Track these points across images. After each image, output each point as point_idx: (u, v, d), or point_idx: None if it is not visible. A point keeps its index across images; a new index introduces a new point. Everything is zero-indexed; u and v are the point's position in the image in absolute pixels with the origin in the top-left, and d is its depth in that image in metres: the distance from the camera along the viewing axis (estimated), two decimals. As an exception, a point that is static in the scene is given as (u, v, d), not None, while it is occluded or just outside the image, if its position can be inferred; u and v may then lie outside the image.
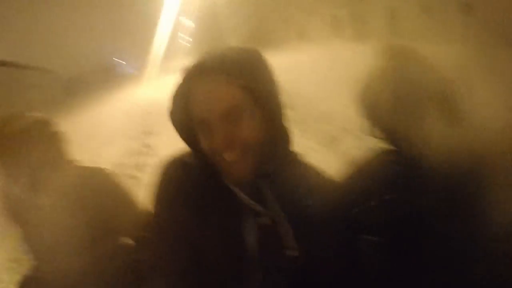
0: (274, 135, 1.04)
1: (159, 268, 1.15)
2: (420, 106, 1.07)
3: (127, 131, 8.18)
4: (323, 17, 23.30)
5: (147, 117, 9.35)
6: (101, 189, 1.71)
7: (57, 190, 1.65)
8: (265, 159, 1.04)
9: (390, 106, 1.09)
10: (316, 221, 1.06)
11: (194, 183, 1.12)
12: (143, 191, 1.52)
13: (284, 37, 28.07)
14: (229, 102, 0.97)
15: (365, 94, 1.16)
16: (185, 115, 1.04)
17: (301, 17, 25.66)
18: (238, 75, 0.97)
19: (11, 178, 1.62)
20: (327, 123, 5.42)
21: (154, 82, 27.83)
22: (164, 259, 1.14)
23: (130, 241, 1.72)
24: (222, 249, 1.08)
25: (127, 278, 1.56)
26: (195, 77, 0.99)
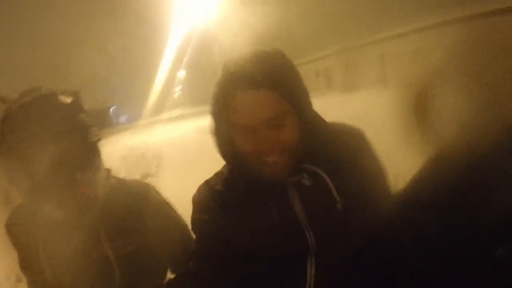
0: (308, 134, 1.12)
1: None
2: None
3: (126, 174, 8.25)
4: (316, 68, 23.92)
5: (143, 161, 9.52)
6: (148, 213, 1.32)
7: (91, 204, 1.22)
8: (300, 156, 1.12)
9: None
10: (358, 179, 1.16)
11: (226, 192, 1.18)
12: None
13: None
14: (272, 110, 1.04)
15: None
16: (224, 119, 1.10)
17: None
18: (278, 86, 1.04)
19: (22, 180, 1.14)
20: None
21: (147, 129, 28.17)
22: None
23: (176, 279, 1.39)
24: (277, 227, 1.12)
25: None
26: (239, 86, 1.05)
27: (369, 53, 20.70)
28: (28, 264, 1.33)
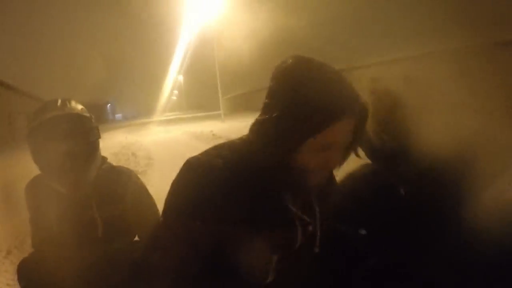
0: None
1: (171, 270, 1.14)
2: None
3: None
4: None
5: (133, 159, 9.74)
6: (128, 190, 1.75)
7: (84, 184, 1.68)
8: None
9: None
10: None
11: (242, 190, 1.10)
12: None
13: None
14: (351, 136, 1.12)
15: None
16: (308, 132, 1.05)
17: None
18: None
19: (42, 162, 1.63)
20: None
21: (141, 128, 28.12)
22: (179, 262, 1.13)
23: (140, 242, 1.80)
24: (272, 246, 1.15)
25: (132, 278, 1.49)
26: (347, 113, 1.06)
27: (362, 75, 20.99)
28: (38, 219, 1.75)
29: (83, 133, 1.66)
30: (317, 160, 1.09)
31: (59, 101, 1.66)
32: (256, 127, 1.14)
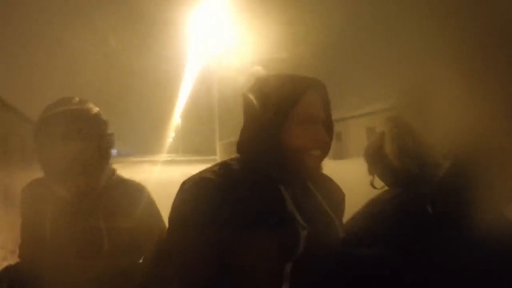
0: None
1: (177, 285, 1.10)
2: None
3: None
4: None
5: None
6: (139, 204, 1.61)
7: (92, 192, 1.55)
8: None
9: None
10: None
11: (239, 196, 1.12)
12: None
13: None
14: (323, 112, 1.21)
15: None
16: (285, 113, 1.14)
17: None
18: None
19: (48, 162, 1.48)
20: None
21: (136, 166, 27.99)
22: (186, 276, 1.09)
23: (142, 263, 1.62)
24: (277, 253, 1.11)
25: None
26: (311, 87, 1.18)
27: (357, 125, 21.24)
28: (32, 226, 1.57)
29: (99, 136, 1.54)
30: (306, 137, 1.15)
31: (76, 98, 1.54)
32: (242, 135, 1.25)
